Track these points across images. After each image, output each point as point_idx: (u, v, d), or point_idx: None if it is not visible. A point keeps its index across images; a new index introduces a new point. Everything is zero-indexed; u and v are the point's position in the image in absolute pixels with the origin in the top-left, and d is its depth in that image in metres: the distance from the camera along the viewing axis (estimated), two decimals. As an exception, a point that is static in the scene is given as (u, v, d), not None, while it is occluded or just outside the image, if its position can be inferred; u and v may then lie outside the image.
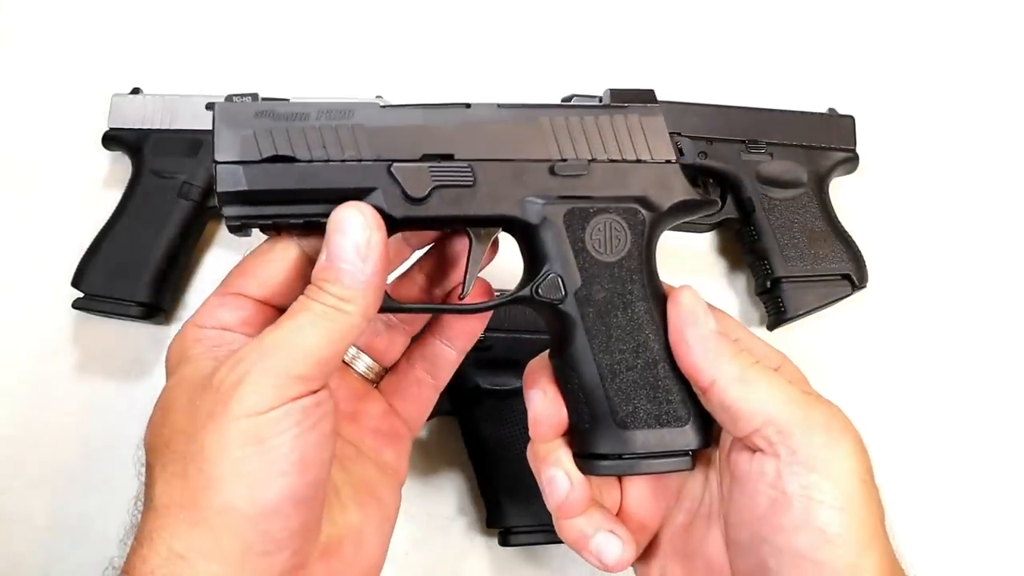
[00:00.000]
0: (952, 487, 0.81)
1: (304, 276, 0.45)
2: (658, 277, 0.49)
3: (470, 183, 0.46)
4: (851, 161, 0.86)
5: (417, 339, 0.56)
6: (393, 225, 0.46)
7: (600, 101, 0.51)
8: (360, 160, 0.45)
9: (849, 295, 0.82)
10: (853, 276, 0.81)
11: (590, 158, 0.48)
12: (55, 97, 0.90)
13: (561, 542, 0.78)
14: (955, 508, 0.81)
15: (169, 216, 0.80)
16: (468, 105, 0.47)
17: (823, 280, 0.81)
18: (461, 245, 0.52)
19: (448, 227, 0.50)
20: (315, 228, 0.45)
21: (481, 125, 0.47)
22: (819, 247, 0.82)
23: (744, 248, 0.85)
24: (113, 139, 0.83)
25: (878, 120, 0.90)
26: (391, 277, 0.54)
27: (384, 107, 0.46)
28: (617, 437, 0.46)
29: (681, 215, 0.50)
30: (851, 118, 0.87)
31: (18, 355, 0.82)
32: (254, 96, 0.46)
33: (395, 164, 0.45)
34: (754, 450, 0.43)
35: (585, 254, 0.47)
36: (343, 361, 0.54)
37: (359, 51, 0.93)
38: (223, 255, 0.87)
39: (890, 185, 0.91)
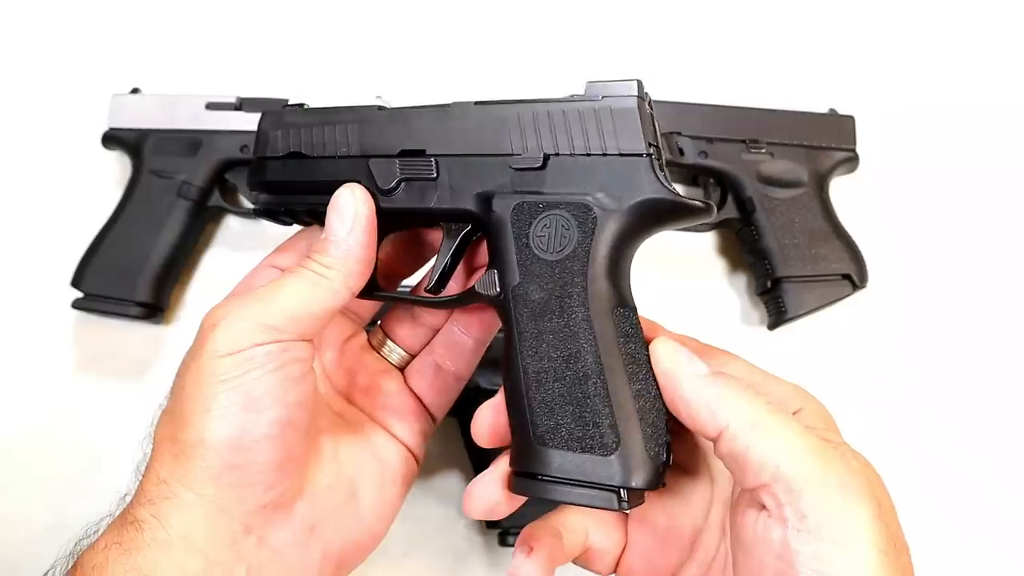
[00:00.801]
0: (952, 487, 0.81)
1: None
2: (621, 286, 0.45)
3: (432, 176, 0.48)
4: (851, 161, 0.86)
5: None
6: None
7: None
8: (348, 156, 0.50)
9: (849, 295, 0.82)
10: (853, 276, 0.81)
11: (547, 151, 0.46)
12: (55, 97, 0.90)
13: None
14: (955, 508, 0.81)
15: (168, 216, 0.80)
16: (451, 104, 0.48)
17: (823, 280, 0.81)
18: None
19: (419, 220, 0.51)
20: (316, 216, 0.51)
21: (453, 122, 0.48)
22: (819, 247, 0.82)
23: (744, 248, 0.85)
24: (113, 139, 0.84)
25: (878, 120, 0.90)
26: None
27: (380, 110, 0.50)
28: (533, 454, 0.43)
29: (656, 219, 0.45)
30: (851, 118, 0.87)
31: (18, 355, 0.82)
32: (301, 105, 0.54)
33: (372, 159, 0.49)
34: (761, 507, 0.39)
35: (527, 251, 0.45)
36: (370, 344, 0.57)
37: (360, 51, 0.93)
38: (223, 255, 0.87)
39: (890, 185, 0.91)
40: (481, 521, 0.78)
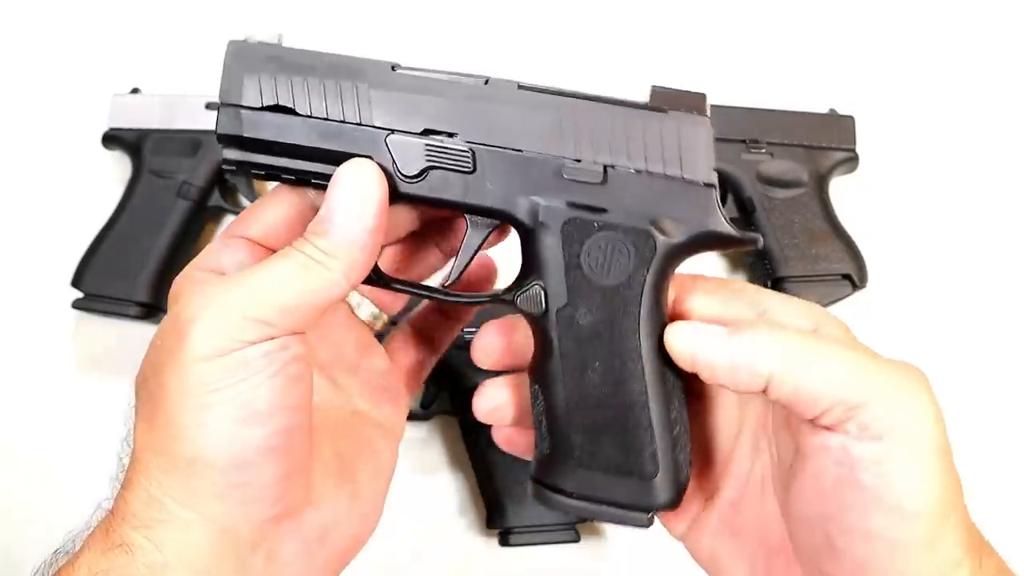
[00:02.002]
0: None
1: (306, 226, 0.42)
2: (664, 312, 0.43)
3: (468, 169, 0.42)
4: (851, 161, 0.86)
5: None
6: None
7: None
8: (359, 124, 0.42)
9: (849, 295, 0.82)
10: (853, 276, 0.81)
11: (608, 163, 0.41)
12: (55, 97, 0.90)
13: (560, 542, 0.77)
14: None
15: (168, 216, 0.80)
16: (486, 81, 0.42)
17: (823, 280, 0.81)
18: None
19: (441, 208, 0.46)
20: (307, 184, 0.43)
21: (494, 106, 0.42)
22: (819, 247, 0.82)
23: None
24: (113, 139, 0.84)
25: (878, 120, 0.90)
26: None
27: (396, 71, 0.42)
28: (571, 473, 0.42)
29: (704, 248, 0.43)
30: (851, 118, 0.87)
31: (18, 355, 0.82)
32: (278, 38, 0.45)
33: (392, 135, 0.42)
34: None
35: (578, 271, 0.41)
36: (348, 305, 0.52)
37: (361, 49, 0.93)
38: (223, 255, 0.87)
39: (890, 185, 0.91)
40: (481, 521, 0.78)
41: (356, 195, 0.40)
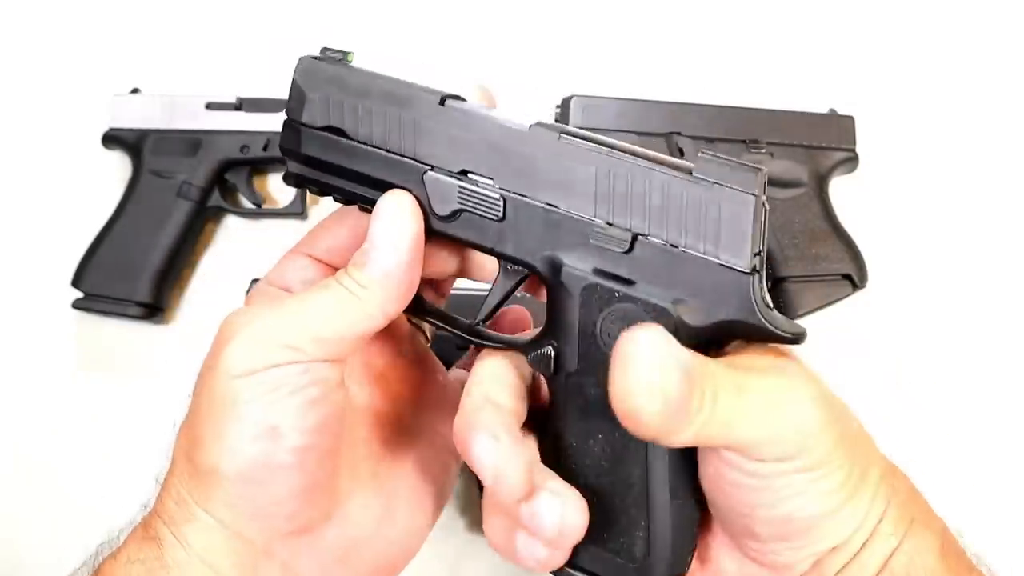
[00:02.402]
0: (952, 488, 0.81)
1: None
2: None
3: (497, 217, 0.41)
4: (851, 161, 0.86)
5: None
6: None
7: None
8: (402, 156, 0.42)
9: (849, 295, 0.82)
10: (853, 276, 0.81)
11: (639, 231, 0.39)
12: (55, 97, 0.90)
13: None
14: (955, 508, 0.81)
15: (168, 216, 0.80)
16: (531, 127, 0.40)
17: (823, 280, 0.82)
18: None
19: (472, 249, 0.45)
20: (353, 203, 0.45)
21: (533, 154, 0.40)
22: (819, 247, 0.82)
23: (744, 248, 0.85)
24: (113, 139, 0.84)
25: (878, 120, 0.90)
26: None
27: (445, 104, 0.42)
28: None
29: (730, 337, 0.39)
30: (851, 118, 0.87)
31: (18, 355, 0.82)
32: (345, 55, 0.45)
33: (429, 172, 0.42)
34: None
35: (592, 339, 0.40)
36: (414, 324, 0.52)
37: (362, 50, 0.93)
38: (223, 255, 0.87)
39: (890, 185, 0.91)
40: (481, 521, 0.78)
41: (393, 228, 0.41)
